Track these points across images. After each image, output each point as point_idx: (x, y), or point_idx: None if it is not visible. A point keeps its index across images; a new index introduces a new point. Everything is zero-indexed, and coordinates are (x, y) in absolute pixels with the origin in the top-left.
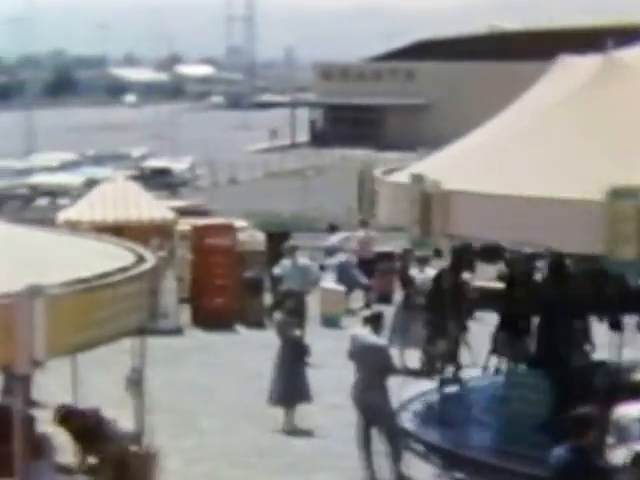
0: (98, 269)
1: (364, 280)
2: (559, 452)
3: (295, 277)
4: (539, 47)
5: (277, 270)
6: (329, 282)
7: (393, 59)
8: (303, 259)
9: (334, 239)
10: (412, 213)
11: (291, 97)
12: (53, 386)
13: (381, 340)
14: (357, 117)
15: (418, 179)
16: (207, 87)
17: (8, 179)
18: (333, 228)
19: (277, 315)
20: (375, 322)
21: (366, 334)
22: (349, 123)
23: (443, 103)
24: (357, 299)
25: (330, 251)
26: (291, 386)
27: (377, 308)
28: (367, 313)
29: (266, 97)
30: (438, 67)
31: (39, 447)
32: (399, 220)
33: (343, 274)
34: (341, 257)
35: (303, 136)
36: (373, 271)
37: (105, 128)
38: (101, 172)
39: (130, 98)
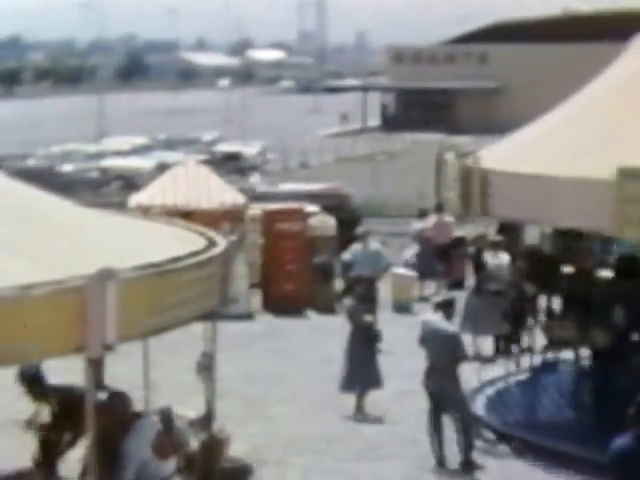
0: (169, 253)
1: (440, 266)
2: (622, 440)
3: (366, 263)
4: (613, 29)
5: (347, 256)
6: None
7: (466, 42)
8: (375, 244)
9: (420, 225)
10: (455, 189)
11: (362, 81)
12: (124, 371)
13: (452, 326)
14: (429, 101)
15: (461, 156)
16: (278, 72)
17: (80, 163)
18: (423, 213)
19: (347, 301)
20: (447, 308)
21: (437, 320)
22: (421, 107)
23: (516, 86)
24: (430, 285)
25: (417, 236)
26: (361, 372)
27: (449, 294)
28: (439, 299)
29: (337, 81)
30: (512, 50)
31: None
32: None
33: (420, 260)
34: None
35: (374, 120)
36: (449, 257)
37: (176, 112)
38: (172, 156)
39: (223, 82)
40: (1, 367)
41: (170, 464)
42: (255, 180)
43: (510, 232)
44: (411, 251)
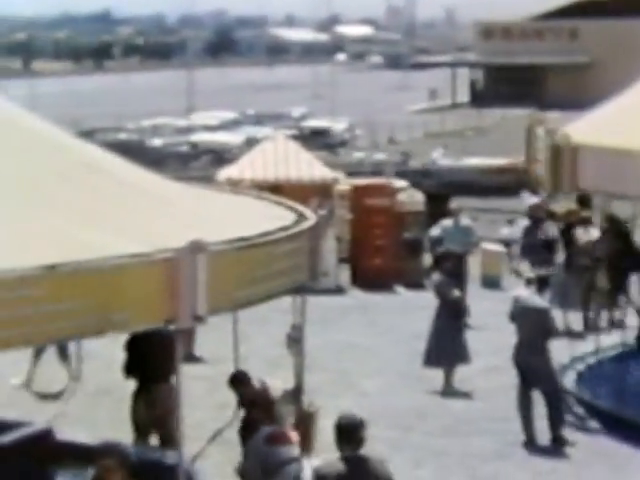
0: (259, 227)
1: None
2: None
3: (457, 238)
4: None
5: (435, 231)
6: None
7: (556, 17)
8: (465, 220)
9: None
10: (544, 164)
11: (451, 57)
12: (214, 343)
13: (543, 302)
14: (518, 77)
15: (550, 132)
16: (366, 47)
17: (169, 137)
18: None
19: (436, 276)
20: (538, 283)
21: (528, 295)
22: (510, 83)
23: (607, 61)
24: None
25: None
26: (449, 347)
27: (541, 269)
28: (530, 274)
29: (425, 57)
30: (602, 25)
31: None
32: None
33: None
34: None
35: (463, 96)
36: None
37: (265, 88)
38: (261, 131)
39: (341, 57)
40: (94, 338)
41: (288, 448)
42: (437, 154)
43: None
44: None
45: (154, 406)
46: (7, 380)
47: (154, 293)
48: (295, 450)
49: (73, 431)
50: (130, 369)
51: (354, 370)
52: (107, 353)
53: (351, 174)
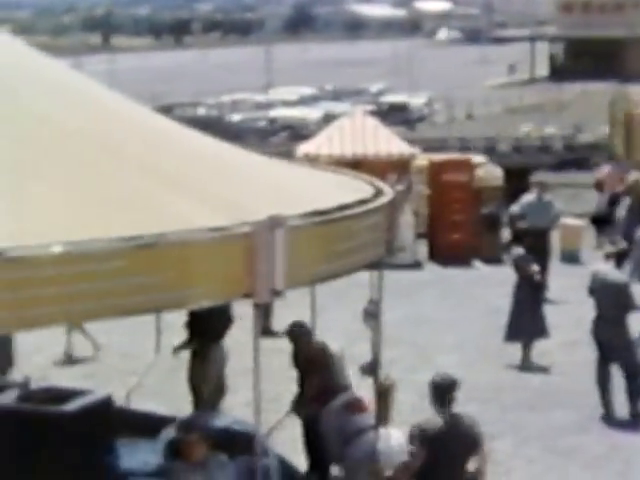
0: (337, 201)
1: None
2: None
3: (538, 213)
4: None
5: (516, 207)
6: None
7: None
8: (547, 195)
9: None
10: (623, 137)
11: (530, 31)
12: (291, 318)
13: (623, 276)
14: (598, 50)
15: (630, 104)
16: (444, 22)
17: (248, 112)
18: (596, 163)
19: (515, 251)
20: (617, 258)
21: (608, 270)
22: (590, 56)
23: None
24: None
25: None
26: (528, 322)
27: (621, 243)
28: (610, 249)
29: (504, 32)
30: None
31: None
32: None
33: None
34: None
35: (543, 70)
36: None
37: (343, 63)
38: (339, 107)
39: (443, 33)
40: (172, 311)
41: (365, 416)
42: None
43: None
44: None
45: (206, 365)
46: (92, 352)
47: (233, 267)
48: (371, 418)
49: (149, 403)
50: (190, 330)
51: (431, 344)
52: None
53: (430, 149)
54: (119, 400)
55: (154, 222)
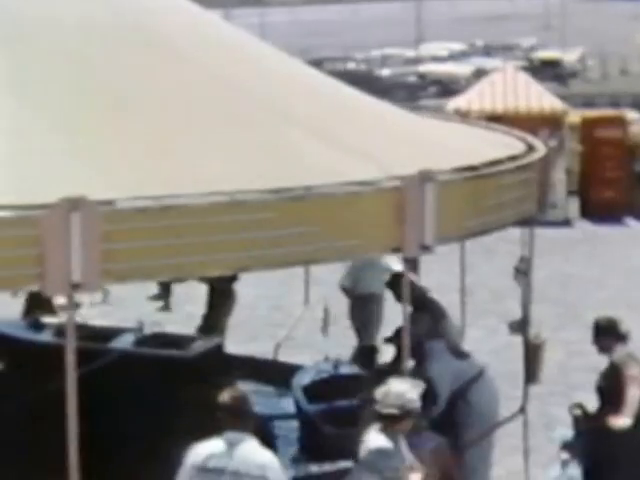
0: (488, 156)
1: None
2: None
3: None
4: None
5: None
6: None
7: None
8: None
9: None
10: None
11: None
12: (439, 273)
13: None
14: None
15: None
16: None
17: (398, 67)
18: None
19: None
20: None
21: None
22: None
23: None
24: None
25: None
26: None
27: None
28: None
29: None
30: None
31: None
32: None
33: None
34: None
35: None
36: None
37: (494, 19)
38: (490, 62)
39: None
40: (320, 264)
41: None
42: None
43: None
44: None
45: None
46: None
47: (382, 221)
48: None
49: (298, 356)
50: None
51: (580, 302)
52: (334, 279)
53: (583, 105)
54: (268, 353)
55: (303, 173)
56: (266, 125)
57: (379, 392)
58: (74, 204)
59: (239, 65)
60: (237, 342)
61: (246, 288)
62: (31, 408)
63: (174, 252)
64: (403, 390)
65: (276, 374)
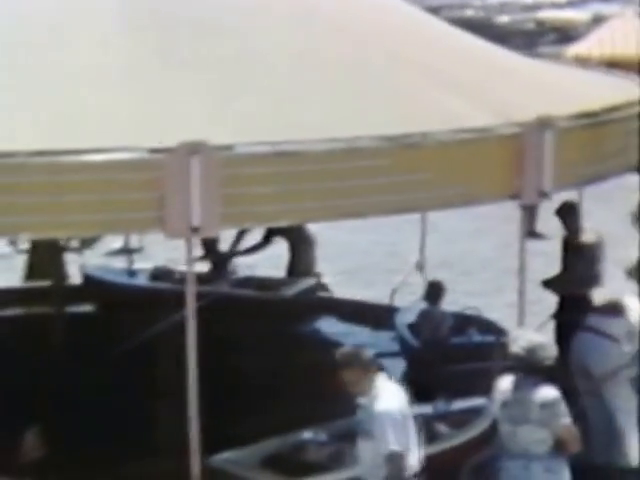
0: (607, 103)
1: None
2: None
3: None
4: None
5: None
6: None
7: None
8: None
9: None
10: None
11: None
12: (555, 220)
13: None
14: None
15: None
16: None
17: (516, 14)
18: None
19: None
20: None
21: None
22: None
23: None
24: None
25: None
26: None
27: None
28: None
29: None
30: None
31: None
32: None
33: None
34: None
35: None
36: None
37: None
38: (609, 8)
39: None
40: (436, 210)
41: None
42: None
43: None
44: None
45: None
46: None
47: (500, 168)
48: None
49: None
50: None
51: None
52: (449, 225)
53: None
54: (384, 299)
55: (422, 118)
56: (384, 71)
57: (523, 346)
58: (194, 148)
59: (359, 15)
60: (353, 288)
61: (361, 234)
62: (150, 345)
63: (291, 198)
64: (543, 342)
65: (372, 314)
